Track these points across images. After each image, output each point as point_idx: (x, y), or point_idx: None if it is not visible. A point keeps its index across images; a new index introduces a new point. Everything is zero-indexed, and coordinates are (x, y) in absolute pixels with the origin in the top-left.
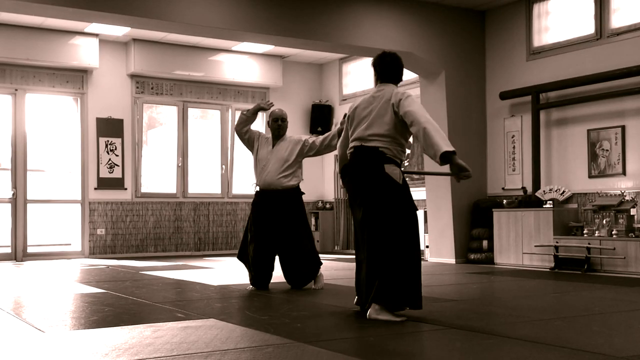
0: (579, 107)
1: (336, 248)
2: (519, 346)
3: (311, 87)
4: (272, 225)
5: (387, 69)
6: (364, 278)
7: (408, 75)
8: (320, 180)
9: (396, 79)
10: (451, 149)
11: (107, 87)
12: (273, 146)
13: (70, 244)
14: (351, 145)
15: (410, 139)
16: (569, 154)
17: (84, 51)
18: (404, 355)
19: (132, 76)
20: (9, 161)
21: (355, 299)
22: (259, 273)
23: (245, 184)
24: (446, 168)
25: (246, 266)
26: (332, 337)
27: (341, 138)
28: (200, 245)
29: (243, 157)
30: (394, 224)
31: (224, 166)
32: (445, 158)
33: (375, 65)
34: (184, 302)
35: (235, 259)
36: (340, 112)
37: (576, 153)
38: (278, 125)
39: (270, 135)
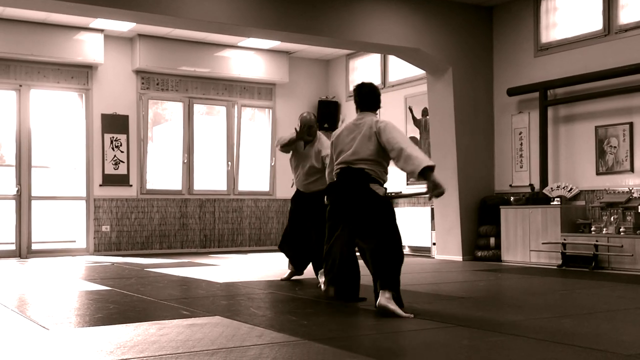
0: (586, 104)
1: None
2: (526, 344)
3: (318, 84)
4: (304, 221)
5: (365, 99)
6: (372, 268)
7: (415, 71)
8: None
9: (374, 107)
10: (432, 164)
11: (112, 83)
12: (304, 148)
13: (75, 241)
14: (337, 167)
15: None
16: (577, 151)
17: (88, 47)
18: (410, 352)
19: (138, 72)
20: (13, 157)
21: (331, 289)
22: (296, 255)
23: (251, 180)
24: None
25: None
26: (338, 335)
27: (327, 166)
28: (206, 243)
29: (249, 153)
30: (391, 224)
31: (229, 163)
32: (424, 173)
33: (354, 95)
34: (190, 300)
35: (238, 256)
36: (347, 109)
37: (584, 150)
38: (311, 134)
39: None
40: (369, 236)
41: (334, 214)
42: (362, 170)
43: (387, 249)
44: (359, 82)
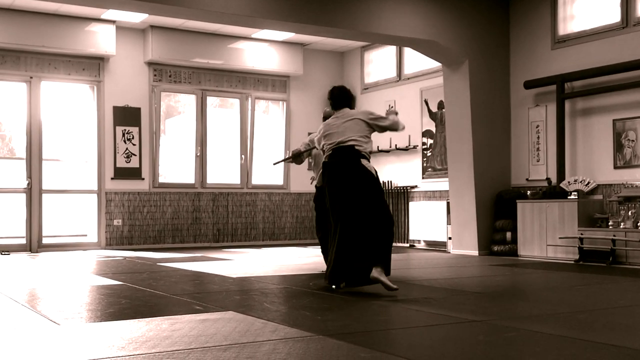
0: (604, 97)
1: None
2: (542, 340)
3: (332, 76)
4: None
5: (339, 99)
6: (362, 246)
7: (431, 63)
8: None
9: (347, 104)
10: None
11: (124, 75)
12: None
13: (86, 235)
14: (329, 147)
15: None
16: (594, 145)
17: (100, 38)
18: (425, 348)
19: (150, 64)
20: (24, 150)
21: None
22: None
23: (265, 174)
24: None
25: None
26: (352, 330)
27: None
28: (219, 237)
29: (263, 146)
30: (383, 202)
31: (243, 156)
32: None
33: (329, 98)
34: (202, 295)
35: (252, 251)
36: (361, 102)
37: (601, 143)
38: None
39: None
40: (365, 212)
41: (333, 190)
42: (352, 147)
43: (382, 227)
44: (332, 86)
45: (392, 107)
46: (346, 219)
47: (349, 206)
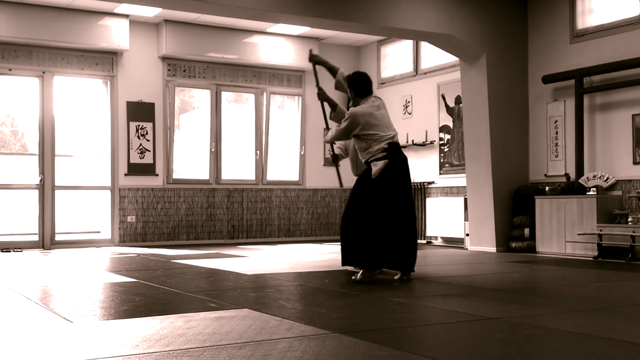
0: (623, 91)
1: None
2: (561, 337)
3: (348, 70)
4: None
5: (369, 85)
6: (405, 246)
7: (448, 58)
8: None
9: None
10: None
11: (138, 70)
12: None
13: (99, 232)
14: (385, 141)
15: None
16: (613, 140)
17: (114, 32)
18: (443, 346)
19: (164, 58)
20: (36, 146)
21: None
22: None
23: (280, 170)
24: None
25: None
26: (369, 328)
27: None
28: (234, 233)
29: (278, 142)
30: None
31: (258, 152)
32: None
33: (355, 84)
34: (217, 292)
35: (267, 247)
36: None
37: (621, 139)
38: None
39: None
40: (409, 216)
41: (393, 185)
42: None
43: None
44: (354, 71)
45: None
46: (398, 214)
47: (402, 203)
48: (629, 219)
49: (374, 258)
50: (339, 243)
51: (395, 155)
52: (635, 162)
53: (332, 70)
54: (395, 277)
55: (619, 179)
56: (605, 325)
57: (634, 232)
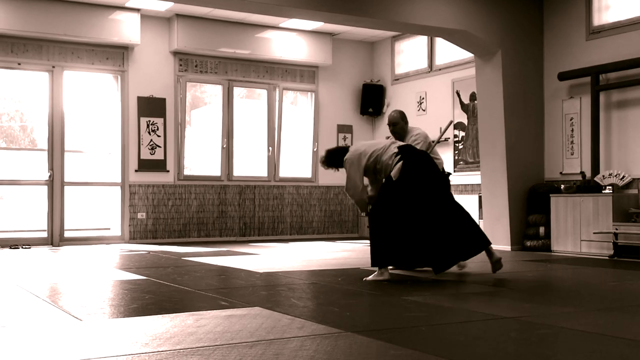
0: None
1: None
2: (576, 337)
3: (362, 66)
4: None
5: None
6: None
7: (463, 54)
8: None
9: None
10: None
11: (149, 65)
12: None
13: (109, 229)
14: (398, 144)
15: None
16: (630, 138)
17: (124, 27)
18: (456, 345)
19: (175, 53)
20: (45, 141)
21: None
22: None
23: (293, 166)
24: None
25: None
26: (382, 327)
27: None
28: (246, 231)
29: (291, 138)
30: None
31: (270, 148)
32: None
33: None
34: (228, 290)
35: (279, 245)
36: (392, 92)
37: (637, 136)
38: (391, 130)
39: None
40: (442, 209)
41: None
42: None
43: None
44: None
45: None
46: (425, 211)
47: (430, 198)
48: None
49: (403, 257)
50: (369, 243)
51: (410, 153)
52: None
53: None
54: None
55: (635, 177)
56: (621, 324)
57: None
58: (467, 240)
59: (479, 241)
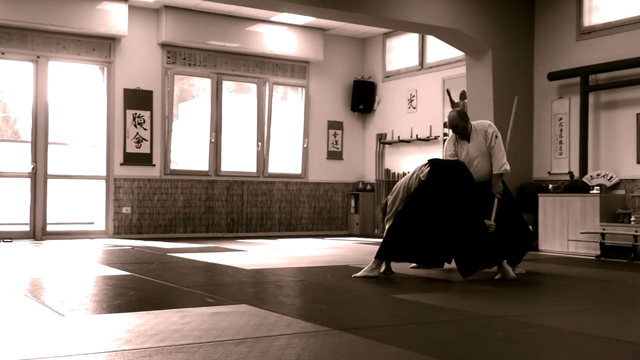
0: (629, 90)
1: (376, 231)
2: (563, 336)
3: (353, 63)
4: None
5: None
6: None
7: (454, 52)
8: (361, 160)
9: None
10: None
11: (136, 57)
12: (469, 141)
13: (93, 223)
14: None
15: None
16: (618, 139)
17: (112, 17)
18: (444, 344)
19: (163, 45)
20: (29, 133)
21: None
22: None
23: (282, 162)
24: None
25: None
26: (370, 325)
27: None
28: (233, 227)
29: (280, 134)
30: None
31: (259, 143)
32: None
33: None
34: (215, 287)
35: (267, 242)
36: (383, 89)
37: (625, 137)
38: (457, 132)
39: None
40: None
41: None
42: None
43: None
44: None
45: None
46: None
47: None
48: (632, 219)
49: (415, 252)
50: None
51: (435, 163)
52: (638, 162)
53: None
54: (496, 277)
55: (623, 178)
56: (607, 325)
57: (636, 231)
58: (495, 249)
59: (504, 253)
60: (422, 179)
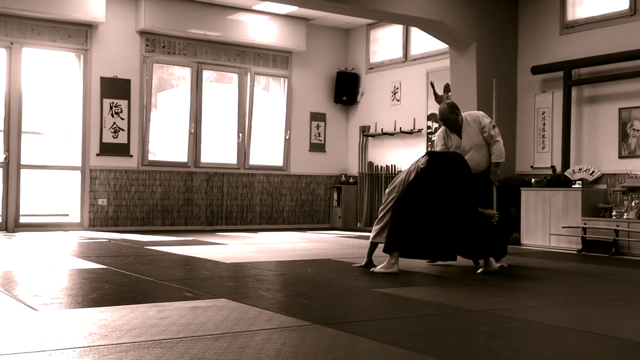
0: (611, 85)
1: (359, 225)
2: (544, 330)
3: (336, 53)
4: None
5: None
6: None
7: (438, 45)
8: (344, 153)
9: None
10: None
11: (114, 44)
12: (461, 135)
13: (68, 215)
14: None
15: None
16: (600, 133)
17: (89, 3)
18: (425, 338)
19: (142, 33)
20: (1, 122)
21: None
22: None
23: (263, 154)
24: None
25: None
26: (351, 319)
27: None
28: (213, 219)
29: (262, 125)
30: None
31: (240, 134)
32: None
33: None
34: (193, 281)
35: (247, 235)
36: (366, 81)
37: (607, 132)
38: (448, 125)
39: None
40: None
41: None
42: None
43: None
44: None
45: None
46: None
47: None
48: (613, 213)
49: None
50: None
51: (434, 155)
52: (620, 156)
53: None
54: (478, 271)
55: (605, 172)
56: (589, 319)
57: (617, 226)
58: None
59: (483, 249)
60: (421, 166)
